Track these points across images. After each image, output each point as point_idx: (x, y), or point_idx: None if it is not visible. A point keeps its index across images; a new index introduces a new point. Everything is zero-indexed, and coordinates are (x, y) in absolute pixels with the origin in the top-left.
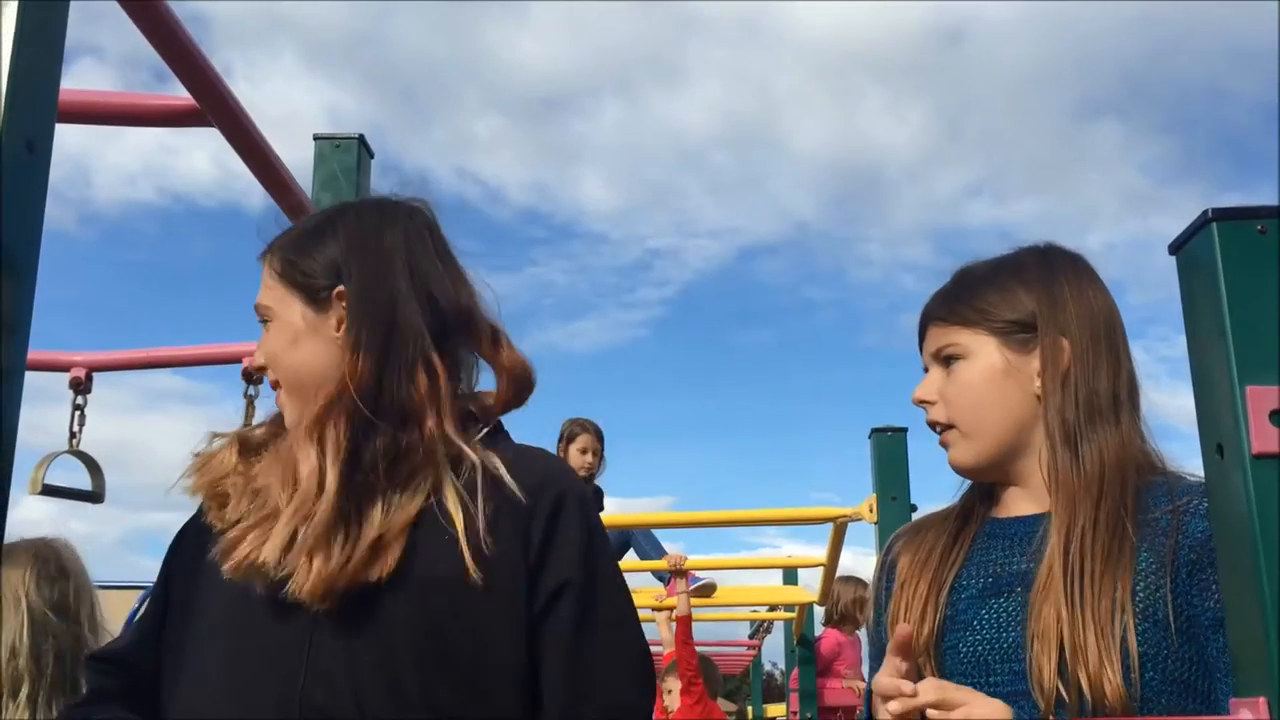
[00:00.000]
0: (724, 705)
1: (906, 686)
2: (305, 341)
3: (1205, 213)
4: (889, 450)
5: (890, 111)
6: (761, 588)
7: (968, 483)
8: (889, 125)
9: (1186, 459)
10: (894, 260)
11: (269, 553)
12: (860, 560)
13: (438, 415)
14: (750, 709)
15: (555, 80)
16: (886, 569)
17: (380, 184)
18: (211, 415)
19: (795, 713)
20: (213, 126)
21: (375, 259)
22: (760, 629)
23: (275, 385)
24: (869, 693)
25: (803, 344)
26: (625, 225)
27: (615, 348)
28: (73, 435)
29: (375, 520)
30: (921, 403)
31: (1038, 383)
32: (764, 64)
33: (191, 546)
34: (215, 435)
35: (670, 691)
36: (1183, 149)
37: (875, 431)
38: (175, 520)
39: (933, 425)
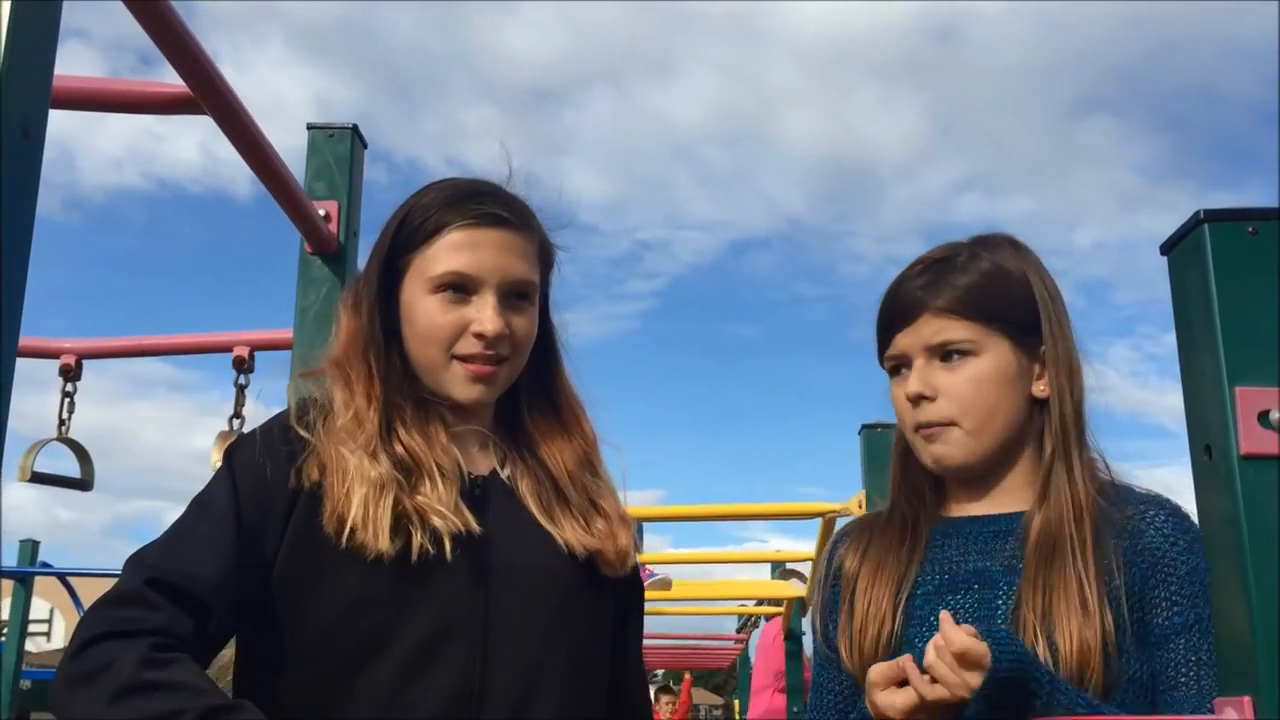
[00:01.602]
0: (710, 698)
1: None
2: (534, 335)
3: (1197, 214)
4: (879, 446)
5: (882, 107)
6: (749, 582)
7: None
8: (881, 121)
9: (1172, 458)
10: (884, 256)
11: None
12: None
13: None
14: (736, 702)
15: (546, 72)
16: (832, 574)
17: (370, 174)
18: (199, 403)
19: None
20: (205, 114)
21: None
22: (747, 623)
23: (497, 360)
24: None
25: (792, 339)
26: (616, 217)
27: (605, 340)
28: (62, 422)
29: None
30: (921, 398)
31: (1037, 387)
32: (756, 59)
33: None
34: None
35: None
36: (1176, 148)
37: (865, 428)
38: (163, 508)
39: (927, 423)
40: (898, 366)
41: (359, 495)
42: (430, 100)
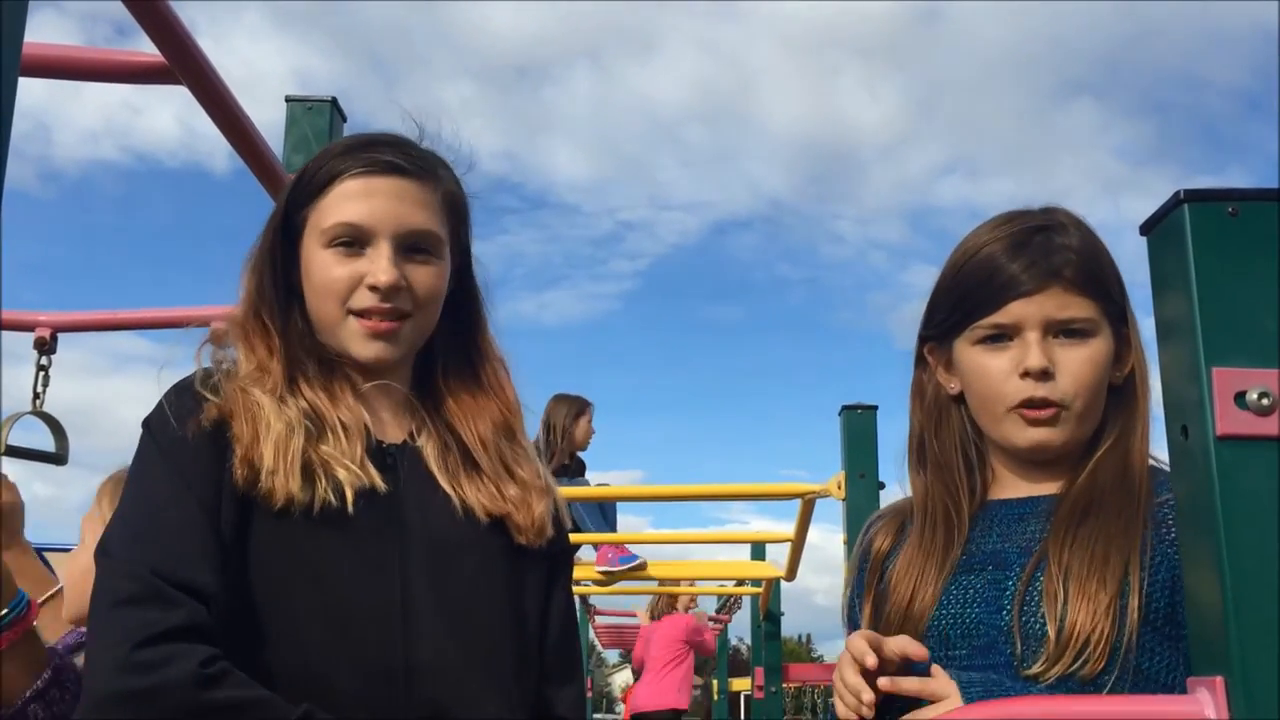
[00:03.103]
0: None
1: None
2: (442, 290)
3: (1177, 194)
4: (859, 427)
5: (865, 89)
6: (729, 562)
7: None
8: (863, 103)
9: (1153, 440)
10: (865, 238)
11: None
12: (827, 537)
13: (510, 383)
14: (716, 682)
15: (527, 48)
16: (863, 552)
17: None
18: (176, 378)
19: (760, 687)
20: (181, 84)
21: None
22: (727, 604)
23: (395, 315)
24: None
25: (774, 320)
26: (598, 196)
27: (586, 319)
28: (36, 396)
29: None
30: (1044, 373)
31: (1117, 372)
32: (738, 38)
33: (232, 491)
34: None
35: None
36: (1157, 132)
37: (845, 409)
38: None
39: (1044, 402)
40: (998, 336)
41: (270, 436)
42: (409, 75)
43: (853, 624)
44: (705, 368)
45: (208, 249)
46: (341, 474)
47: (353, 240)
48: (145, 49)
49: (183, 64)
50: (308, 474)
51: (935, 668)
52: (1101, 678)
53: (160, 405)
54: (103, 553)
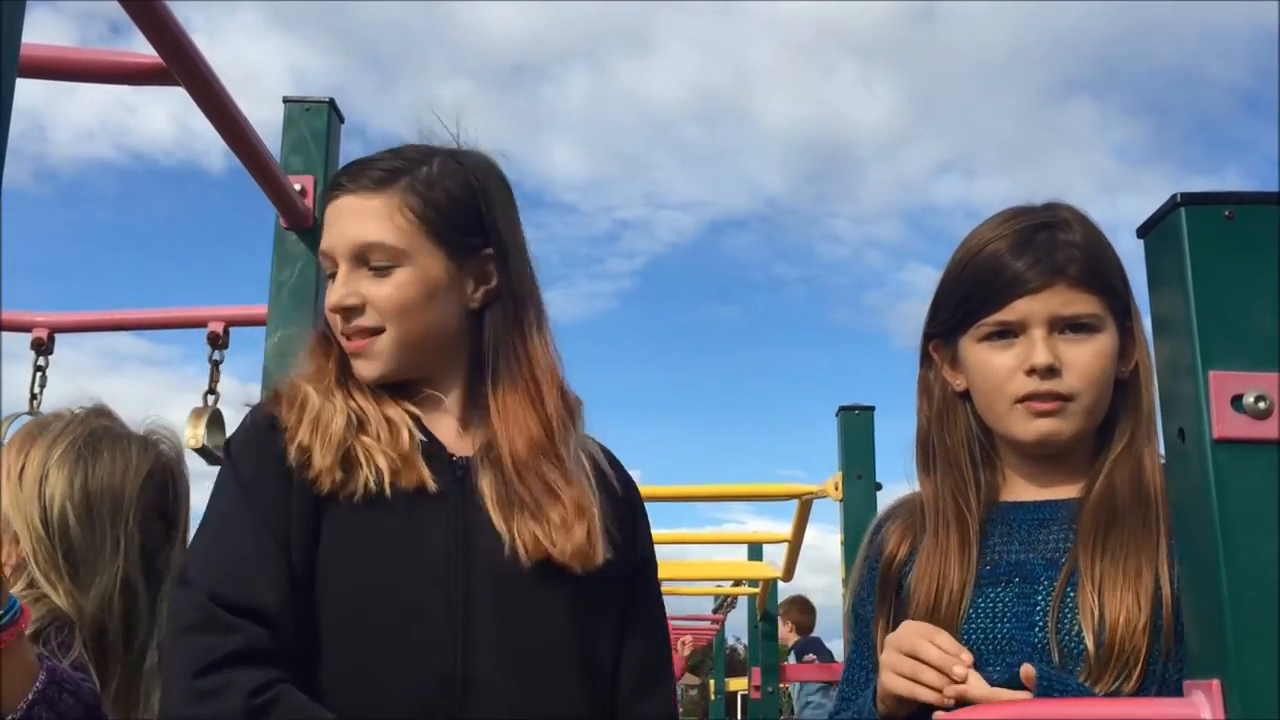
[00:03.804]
0: (687, 679)
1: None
2: (442, 298)
3: (1174, 197)
4: (856, 428)
5: (862, 87)
6: (726, 563)
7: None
8: (860, 101)
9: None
10: (863, 237)
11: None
12: (824, 537)
13: (556, 391)
14: (713, 682)
15: (524, 47)
16: (874, 552)
17: (344, 147)
18: (173, 378)
19: (757, 686)
20: (179, 85)
21: (514, 222)
22: (724, 604)
23: (363, 333)
24: (853, 665)
25: (771, 320)
26: (594, 195)
27: (583, 319)
28: (33, 396)
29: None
30: (1050, 369)
31: (1123, 367)
32: (736, 37)
33: (305, 498)
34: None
35: None
36: (1155, 132)
37: (843, 410)
38: None
39: (1050, 394)
40: (1003, 333)
41: (309, 414)
42: (406, 73)
43: (861, 621)
44: (702, 367)
45: (204, 248)
46: (381, 461)
47: (332, 267)
48: (141, 48)
49: (179, 65)
50: (349, 461)
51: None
52: (1139, 693)
53: (239, 427)
54: (178, 580)
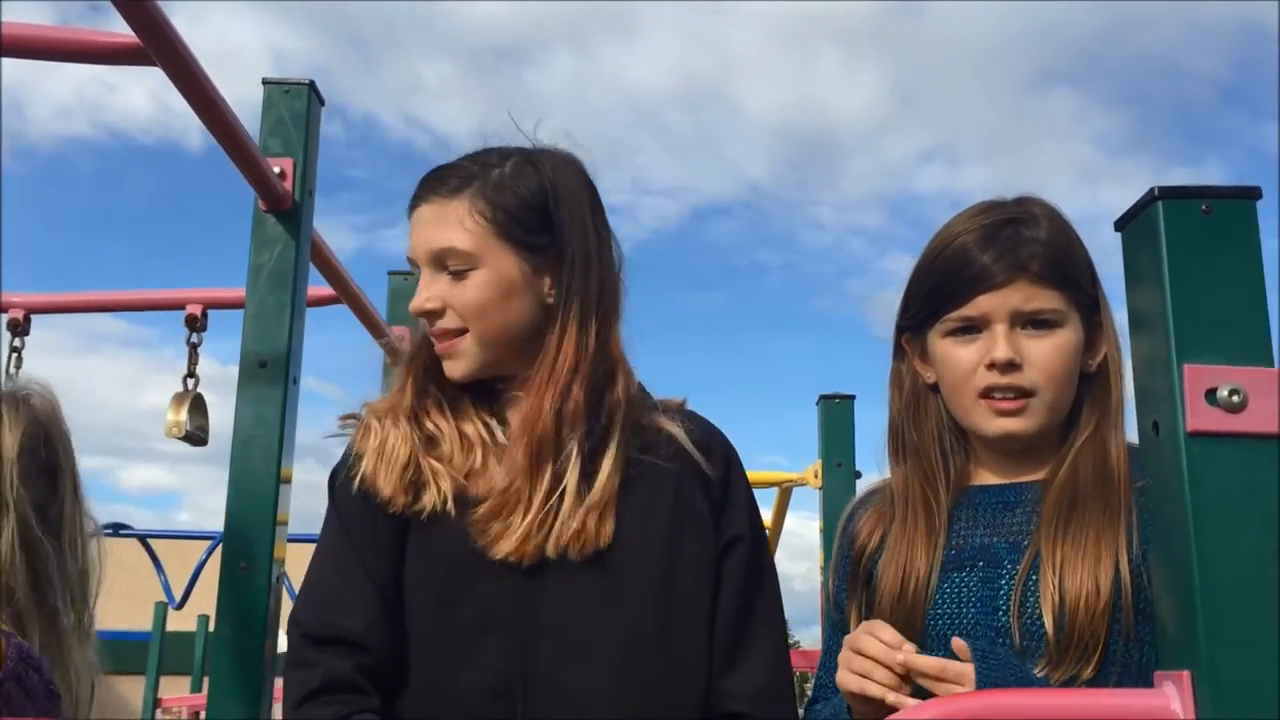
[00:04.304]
0: None
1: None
2: (519, 297)
3: (1151, 190)
4: (836, 417)
5: (846, 75)
6: None
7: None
8: (844, 89)
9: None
10: (845, 225)
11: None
12: (804, 524)
13: (627, 378)
14: None
15: (506, 29)
16: (847, 541)
17: (325, 129)
18: (151, 360)
19: None
20: (155, 65)
21: (583, 219)
22: None
23: (447, 334)
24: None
25: (753, 306)
26: None
27: None
28: (9, 377)
29: (602, 484)
30: (1011, 364)
31: (1090, 360)
32: (720, 23)
33: (389, 523)
34: (346, 420)
35: None
36: (1135, 122)
37: (824, 398)
38: (115, 465)
39: (1010, 388)
40: (967, 328)
41: (373, 443)
42: (388, 54)
43: (839, 610)
44: (684, 353)
45: (182, 228)
46: (445, 483)
47: (418, 272)
48: (118, 28)
49: (157, 46)
50: (418, 483)
51: (958, 641)
52: (1100, 678)
53: (339, 460)
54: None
